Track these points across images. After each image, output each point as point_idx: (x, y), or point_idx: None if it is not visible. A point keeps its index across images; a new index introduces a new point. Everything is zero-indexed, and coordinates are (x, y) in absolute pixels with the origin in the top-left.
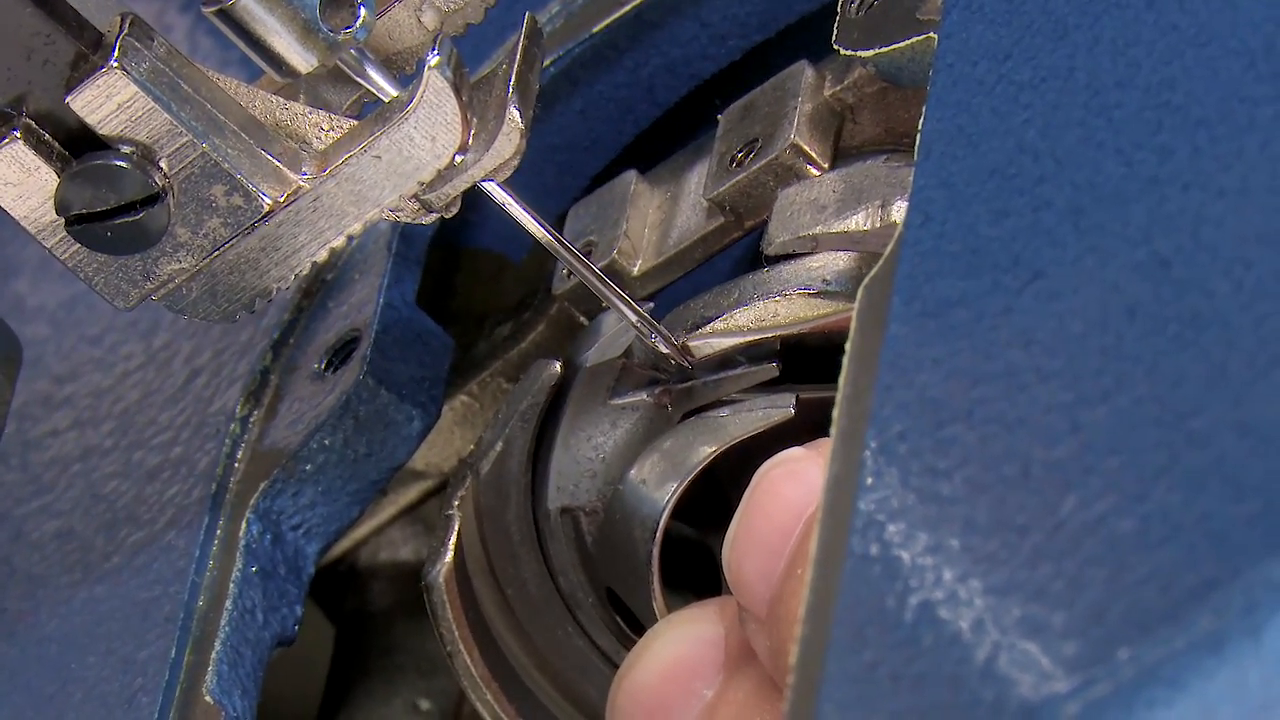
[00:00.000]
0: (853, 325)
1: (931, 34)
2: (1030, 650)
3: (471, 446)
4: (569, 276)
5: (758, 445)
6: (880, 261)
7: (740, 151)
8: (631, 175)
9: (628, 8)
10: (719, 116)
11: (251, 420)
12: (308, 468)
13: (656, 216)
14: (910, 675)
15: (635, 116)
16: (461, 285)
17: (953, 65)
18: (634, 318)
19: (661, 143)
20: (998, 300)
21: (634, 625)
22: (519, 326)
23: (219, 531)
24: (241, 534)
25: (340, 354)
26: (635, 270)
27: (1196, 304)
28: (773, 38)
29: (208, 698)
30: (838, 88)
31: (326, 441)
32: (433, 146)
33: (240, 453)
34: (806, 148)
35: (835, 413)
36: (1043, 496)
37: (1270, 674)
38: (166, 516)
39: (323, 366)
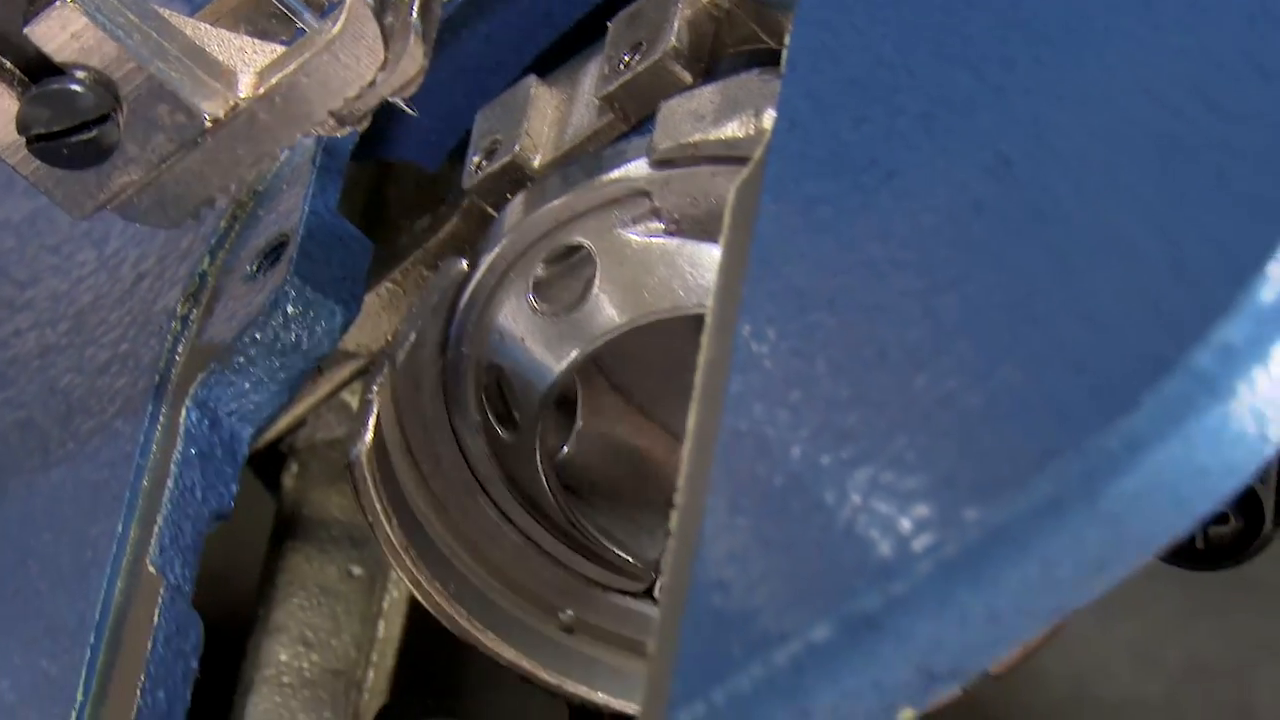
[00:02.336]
0: (725, 222)
1: None
2: (887, 514)
3: (397, 327)
4: (477, 171)
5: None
6: (751, 165)
7: (627, 55)
8: (531, 79)
9: None
10: (608, 24)
11: (191, 318)
12: (241, 359)
13: (555, 115)
14: (780, 539)
15: (535, 40)
16: (393, 197)
17: None
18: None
19: (558, 62)
20: (857, 198)
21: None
22: (435, 219)
23: (162, 419)
24: (182, 420)
25: (270, 257)
26: (536, 164)
27: (1038, 199)
28: None
29: (150, 568)
30: None
31: (258, 336)
32: (356, 66)
33: (181, 347)
34: (685, 50)
35: (710, 303)
36: (898, 375)
37: (1106, 535)
38: (115, 406)
39: (254, 269)
